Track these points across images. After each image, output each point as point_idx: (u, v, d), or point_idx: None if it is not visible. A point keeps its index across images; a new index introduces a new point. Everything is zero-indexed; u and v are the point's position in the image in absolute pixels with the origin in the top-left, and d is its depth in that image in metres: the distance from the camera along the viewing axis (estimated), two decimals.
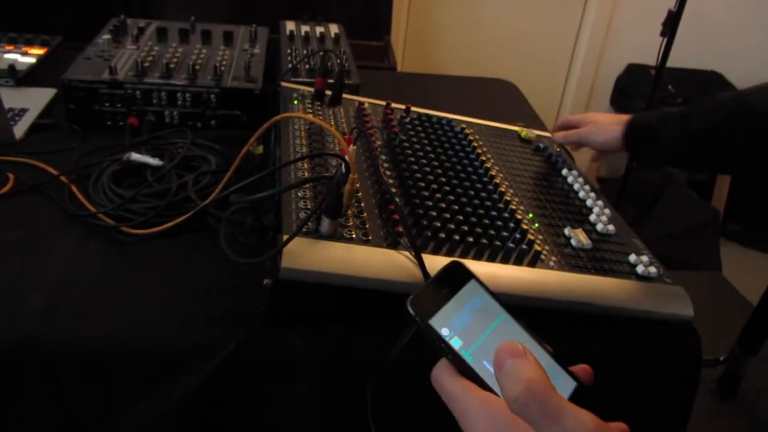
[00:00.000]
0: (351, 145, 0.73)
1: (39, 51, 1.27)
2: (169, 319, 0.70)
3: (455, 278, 0.46)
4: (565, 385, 0.44)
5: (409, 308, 0.44)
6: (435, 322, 0.43)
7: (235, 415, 0.70)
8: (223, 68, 1.10)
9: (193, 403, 0.68)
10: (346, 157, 0.69)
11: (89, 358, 0.67)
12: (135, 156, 0.89)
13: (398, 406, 0.71)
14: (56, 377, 0.67)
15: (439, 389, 0.43)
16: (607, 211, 0.88)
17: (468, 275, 0.47)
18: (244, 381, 0.69)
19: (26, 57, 1.24)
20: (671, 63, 2.60)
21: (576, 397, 0.43)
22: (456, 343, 0.43)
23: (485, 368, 0.42)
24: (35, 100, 1.12)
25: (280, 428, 0.71)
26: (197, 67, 1.08)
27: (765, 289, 1.08)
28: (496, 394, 0.41)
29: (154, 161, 0.89)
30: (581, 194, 0.92)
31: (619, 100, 2.94)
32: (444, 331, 0.43)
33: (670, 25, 1.53)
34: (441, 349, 0.43)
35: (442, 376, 0.43)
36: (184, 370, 0.67)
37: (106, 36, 1.16)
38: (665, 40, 1.58)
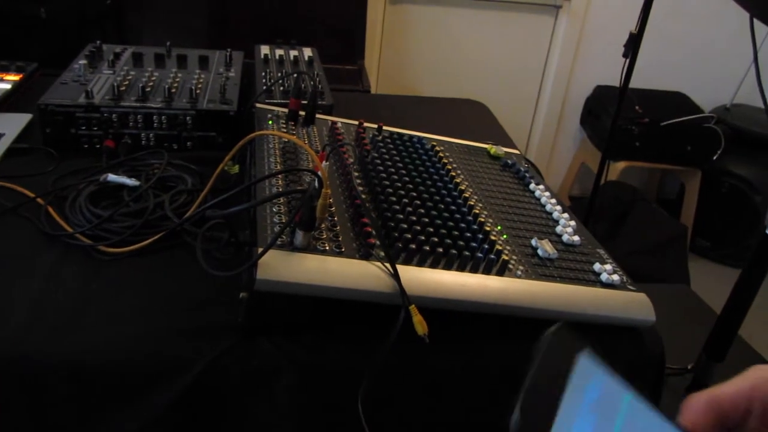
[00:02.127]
0: (324, 161, 0.76)
1: (14, 77, 1.28)
2: (146, 333, 0.71)
3: (562, 353, 0.33)
4: None
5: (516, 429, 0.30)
6: None
7: (214, 427, 0.72)
8: (198, 91, 1.12)
9: (171, 416, 0.69)
10: (319, 172, 0.71)
11: (68, 373, 0.68)
12: (112, 177, 0.91)
13: (375, 416, 0.73)
14: (36, 393, 0.68)
15: None
16: (572, 223, 0.91)
17: (580, 344, 0.33)
18: (222, 393, 0.70)
19: (1, 83, 1.25)
20: (638, 84, 2.68)
21: None
22: None
23: None
24: (11, 125, 1.13)
25: None
26: (173, 90, 1.11)
27: (728, 298, 1.12)
28: None
29: (131, 182, 0.90)
30: (548, 207, 0.95)
31: (589, 121, 3.01)
32: None
33: (632, 46, 1.59)
34: None
35: None
36: (162, 384, 0.68)
37: (82, 61, 1.18)
38: (627, 61, 1.64)
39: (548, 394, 0.31)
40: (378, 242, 0.71)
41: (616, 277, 0.80)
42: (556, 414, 0.31)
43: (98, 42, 1.28)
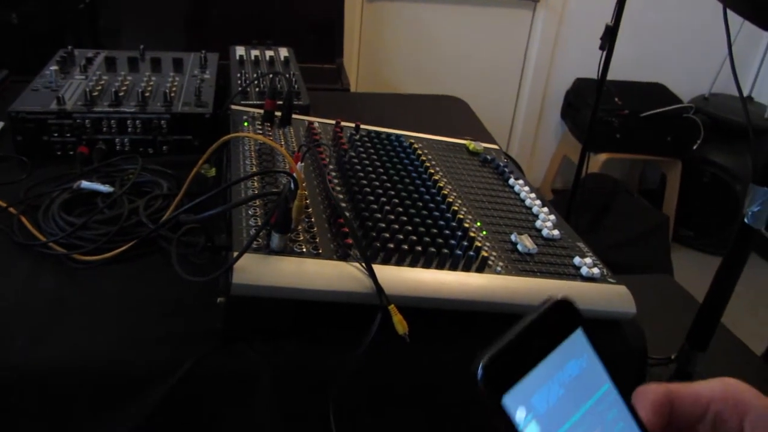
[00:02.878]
0: (299, 162, 0.75)
1: None
2: (124, 341, 0.70)
3: (556, 324, 0.33)
4: None
5: (481, 371, 0.30)
6: (511, 399, 0.30)
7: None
8: (173, 94, 1.11)
9: (150, 424, 0.68)
10: (294, 174, 0.70)
11: (43, 383, 0.67)
12: (85, 184, 0.89)
13: (359, 414, 0.72)
14: (12, 403, 0.66)
15: None
16: (552, 217, 0.91)
17: (574, 321, 0.33)
18: (201, 399, 0.69)
19: None
20: (617, 76, 2.69)
21: None
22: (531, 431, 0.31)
23: None
24: None
25: None
26: (147, 94, 1.09)
27: (709, 286, 1.12)
28: None
29: (104, 188, 0.89)
30: (527, 202, 0.95)
31: (569, 114, 3.02)
32: (518, 414, 0.30)
33: (608, 38, 1.59)
34: None
35: None
36: (140, 392, 0.67)
37: (54, 67, 1.16)
38: (604, 53, 1.65)
39: (529, 352, 0.31)
40: (355, 242, 0.71)
41: (596, 271, 0.80)
42: (526, 374, 0.31)
43: (70, 47, 1.26)
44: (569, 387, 0.32)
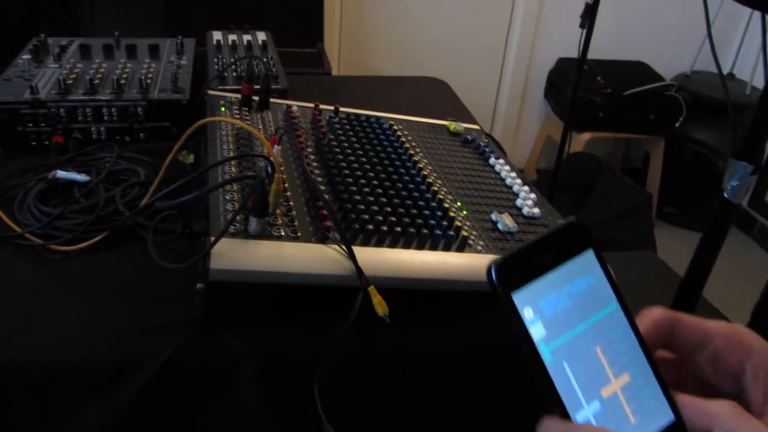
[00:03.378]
0: (276, 146, 0.74)
1: None
2: (103, 330, 0.70)
3: (567, 243, 0.36)
4: (657, 416, 0.36)
5: (492, 271, 0.33)
6: (520, 297, 0.33)
7: (175, 421, 0.70)
8: (149, 81, 1.09)
9: (132, 413, 0.67)
10: (271, 158, 0.70)
11: (23, 375, 0.66)
12: (61, 173, 0.88)
13: (339, 398, 0.72)
14: None
15: None
16: (532, 195, 0.91)
17: (586, 243, 0.36)
18: (183, 387, 0.69)
19: None
20: (599, 55, 2.69)
21: None
22: (537, 333, 0.33)
23: (563, 373, 0.34)
24: None
25: (223, 429, 0.71)
26: (122, 81, 1.08)
27: (690, 261, 1.13)
28: (566, 410, 0.34)
29: (80, 177, 0.88)
30: (508, 181, 0.95)
31: (552, 93, 3.02)
32: (527, 313, 0.33)
33: (588, 17, 1.59)
34: (515, 334, 0.33)
35: None
36: (121, 381, 0.67)
37: (26, 56, 1.14)
38: (585, 31, 1.64)
39: (540, 261, 0.34)
40: (334, 225, 0.70)
41: None
42: (536, 279, 0.34)
43: (43, 35, 1.24)
44: (577, 300, 0.35)
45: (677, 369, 0.41)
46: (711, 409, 0.35)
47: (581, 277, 0.35)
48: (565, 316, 0.34)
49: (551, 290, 0.34)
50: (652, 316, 0.39)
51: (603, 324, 0.36)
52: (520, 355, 0.34)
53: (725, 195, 1.01)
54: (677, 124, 2.81)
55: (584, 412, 0.35)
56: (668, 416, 0.36)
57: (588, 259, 0.36)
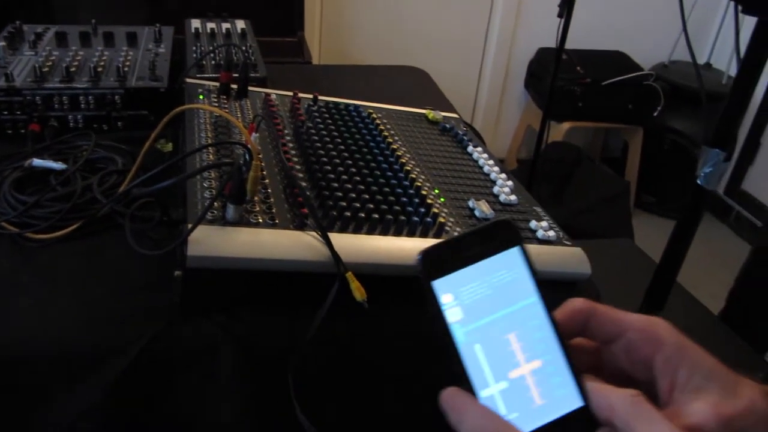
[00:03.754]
0: (253, 133, 0.74)
1: None
2: (81, 318, 0.70)
3: (495, 239, 0.39)
4: (564, 401, 0.38)
5: (419, 258, 0.37)
6: (440, 284, 0.37)
7: (155, 408, 0.71)
8: (127, 69, 1.09)
9: (109, 402, 0.67)
10: (249, 145, 0.70)
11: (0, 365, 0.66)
12: (37, 161, 0.87)
13: (318, 384, 0.73)
14: None
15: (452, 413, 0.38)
16: (509, 183, 0.92)
17: (513, 241, 0.40)
18: (161, 374, 0.69)
19: None
20: (579, 45, 2.71)
21: (569, 419, 0.38)
22: (454, 316, 0.37)
23: (473, 354, 0.37)
24: None
25: (202, 417, 0.72)
26: (100, 69, 1.07)
27: (665, 248, 1.15)
28: (472, 388, 0.37)
29: (57, 165, 0.87)
30: (485, 169, 0.95)
31: (532, 83, 3.04)
32: (445, 298, 0.37)
33: (566, 6, 1.60)
34: (431, 315, 0.37)
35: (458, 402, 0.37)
36: (98, 370, 0.67)
37: (1, 43, 1.13)
38: (563, 21, 1.66)
39: (464, 254, 0.38)
40: (310, 211, 0.71)
41: (551, 233, 0.81)
42: (458, 269, 0.38)
43: (18, 22, 1.22)
44: (497, 290, 0.38)
45: (598, 357, 0.43)
46: (612, 399, 0.37)
47: (504, 270, 0.39)
48: (484, 304, 0.38)
49: (473, 280, 0.38)
50: (571, 306, 0.41)
51: (520, 314, 0.38)
52: (435, 334, 0.37)
53: (699, 182, 1.03)
54: (655, 114, 2.84)
55: (490, 390, 0.38)
56: (577, 402, 0.38)
57: (514, 254, 0.39)
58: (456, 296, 0.37)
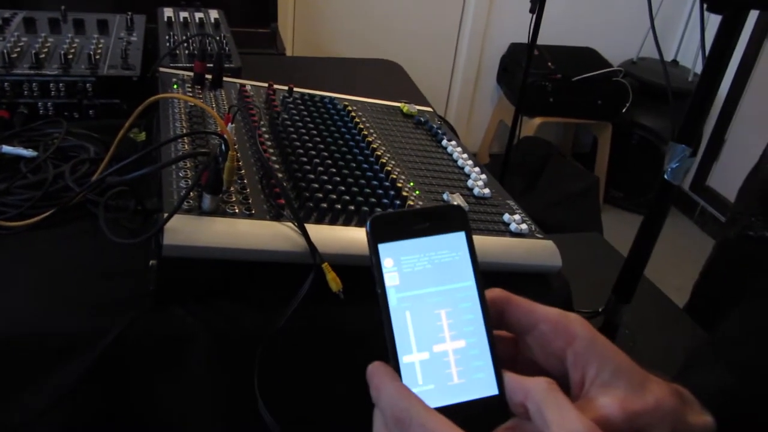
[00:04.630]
0: (229, 123, 0.74)
1: None
2: (52, 307, 0.69)
3: (444, 221, 0.41)
4: (481, 386, 0.40)
5: (369, 222, 0.39)
6: (385, 248, 0.39)
7: (128, 397, 0.70)
8: (98, 56, 1.07)
9: (81, 391, 0.67)
10: (225, 135, 0.70)
11: None
12: (6, 148, 0.86)
13: (287, 375, 0.73)
14: None
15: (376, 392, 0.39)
16: (483, 176, 0.93)
17: (460, 226, 0.41)
18: (134, 363, 0.69)
19: None
20: (550, 41, 2.74)
21: (482, 405, 0.39)
22: (391, 281, 0.39)
23: (402, 319, 0.39)
24: None
25: (175, 406, 0.71)
26: (70, 56, 1.05)
27: (633, 242, 1.18)
28: (396, 349, 0.39)
29: (27, 152, 0.86)
30: (459, 162, 0.96)
31: (505, 79, 3.06)
32: (386, 262, 0.39)
33: (538, 1, 1.62)
34: (374, 278, 0.39)
35: (383, 381, 0.39)
36: (69, 359, 0.66)
37: None
38: (534, 16, 1.67)
39: (412, 227, 0.40)
40: (287, 202, 0.71)
41: (524, 227, 0.83)
42: (404, 239, 0.40)
43: None
44: (436, 266, 0.40)
45: (515, 348, 0.45)
46: (526, 384, 0.38)
47: (446, 250, 0.41)
48: (420, 276, 0.40)
49: (415, 252, 0.40)
50: (488, 295, 0.42)
51: (454, 294, 0.40)
52: (375, 293, 0.39)
53: (665, 177, 1.05)
54: (624, 110, 2.89)
55: (412, 357, 0.39)
56: (492, 390, 0.40)
57: (459, 238, 0.41)
58: (396, 263, 0.39)
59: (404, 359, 0.39)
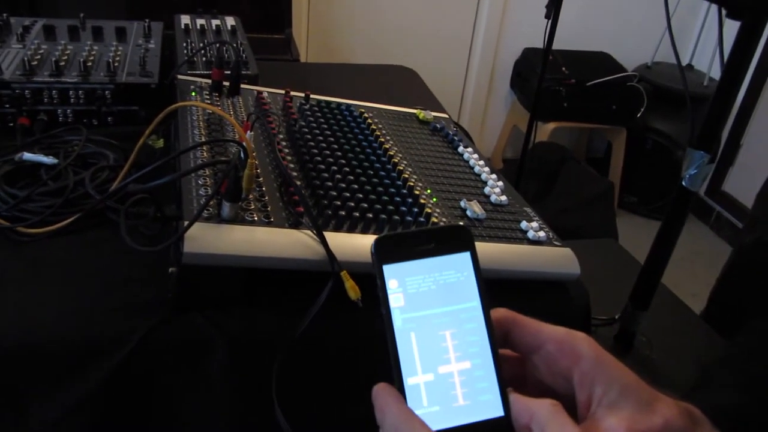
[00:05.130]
0: (248, 131, 0.75)
1: None
2: (73, 314, 0.69)
3: (449, 241, 0.41)
4: (486, 408, 0.40)
5: (373, 243, 0.39)
6: (390, 269, 0.39)
7: (147, 403, 0.71)
8: (117, 64, 1.08)
9: (103, 397, 0.67)
10: (244, 143, 0.70)
11: None
12: (27, 155, 0.87)
13: (304, 383, 0.73)
14: None
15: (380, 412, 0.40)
16: (500, 183, 0.93)
17: (465, 246, 0.41)
18: (153, 370, 0.69)
19: None
20: (564, 46, 2.74)
21: (488, 426, 0.39)
22: (396, 301, 0.39)
23: (407, 341, 0.39)
24: None
25: (193, 412, 0.72)
26: (89, 63, 1.06)
27: (650, 248, 1.17)
28: (401, 373, 0.39)
29: (48, 160, 0.87)
30: (476, 169, 0.96)
31: (518, 84, 3.06)
32: (391, 283, 0.39)
33: (553, 6, 1.61)
34: (378, 299, 0.39)
35: (387, 404, 0.39)
36: (91, 364, 0.67)
37: None
38: (550, 22, 1.67)
39: (417, 248, 0.40)
40: (305, 210, 0.71)
41: (542, 234, 0.82)
42: (409, 260, 0.40)
43: (5, 15, 1.21)
44: (441, 287, 0.40)
45: (522, 368, 0.45)
46: (531, 405, 0.38)
47: (452, 271, 0.40)
48: (425, 297, 0.39)
49: (420, 272, 0.40)
50: (493, 315, 0.42)
51: (459, 315, 0.40)
52: (381, 315, 0.39)
53: (683, 183, 1.04)
54: (638, 115, 2.87)
55: (417, 378, 0.39)
56: (498, 412, 0.39)
57: (464, 258, 0.41)
58: (401, 284, 0.39)
59: (409, 381, 0.39)
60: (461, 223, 0.41)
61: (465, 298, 0.41)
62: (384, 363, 0.76)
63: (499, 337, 0.42)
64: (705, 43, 3.10)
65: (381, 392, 0.40)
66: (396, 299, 0.39)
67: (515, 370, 0.44)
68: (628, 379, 0.40)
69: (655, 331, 1.32)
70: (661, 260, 1.15)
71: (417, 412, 0.38)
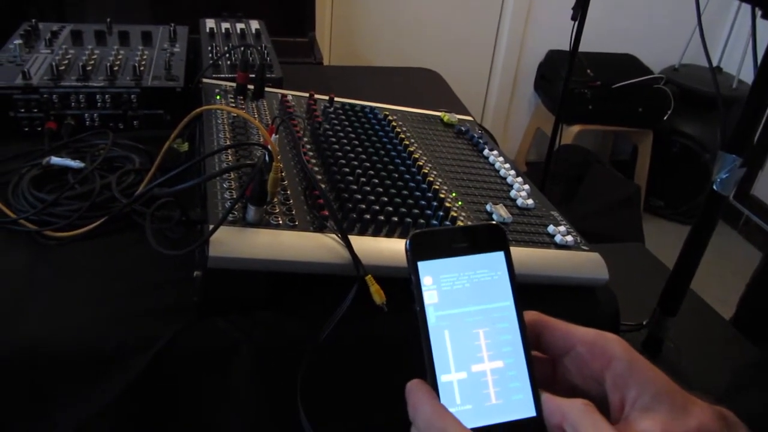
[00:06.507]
0: (273, 134, 0.74)
1: None
2: (98, 318, 0.70)
3: (483, 240, 0.41)
4: (519, 407, 0.39)
5: (408, 239, 0.39)
6: (424, 266, 0.39)
7: (172, 408, 0.71)
8: (142, 68, 1.09)
9: (128, 401, 0.67)
10: (269, 146, 0.70)
11: (18, 362, 0.66)
12: (55, 160, 0.88)
13: (329, 387, 0.73)
14: None
15: (413, 410, 0.39)
16: (526, 186, 0.92)
17: (500, 245, 0.41)
18: (178, 374, 0.69)
19: None
20: (589, 48, 2.70)
21: (520, 426, 0.39)
22: (430, 298, 0.39)
23: (441, 338, 0.39)
24: None
25: (217, 417, 0.72)
26: (116, 68, 1.07)
27: (679, 253, 1.15)
28: (434, 368, 0.39)
29: (75, 164, 0.88)
30: (502, 172, 0.95)
31: (542, 86, 3.03)
32: (426, 280, 0.39)
33: (580, 8, 1.60)
34: (413, 295, 0.39)
35: (421, 400, 0.39)
36: (116, 368, 0.67)
37: (18, 41, 1.13)
38: (576, 24, 1.65)
39: (451, 246, 0.40)
40: (330, 214, 0.71)
41: (569, 238, 0.81)
42: (443, 257, 0.40)
43: (33, 20, 1.22)
44: (474, 285, 0.40)
45: (553, 371, 0.44)
46: (564, 406, 0.38)
47: (486, 269, 0.40)
48: (460, 295, 0.39)
49: (455, 270, 0.40)
50: (525, 318, 0.42)
51: (492, 313, 0.40)
52: (414, 312, 0.39)
53: (714, 187, 1.02)
54: (665, 117, 2.83)
55: (450, 376, 0.39)
56: (530, 412, 0.39)
57: (498, 258, 0.41)
58: (435, 281, 0.39)
59: (442, 378, 0.39)
60: (494, 222, 0.40)
61: (498, 298, 0.40)
62: (410, 366, 0.75)
63: (530, 340, 0.41)
64: (734, 45, 3.04)
65: (414, 389, 0.39)
66: (430, 296, 0.39)
67: (546, 372, 0.44)
68: (661, 382, 0.39)
69: (683, 336, 1.29)
70: (691, 265, 1.13)
71: (450, 410, 0.38)
